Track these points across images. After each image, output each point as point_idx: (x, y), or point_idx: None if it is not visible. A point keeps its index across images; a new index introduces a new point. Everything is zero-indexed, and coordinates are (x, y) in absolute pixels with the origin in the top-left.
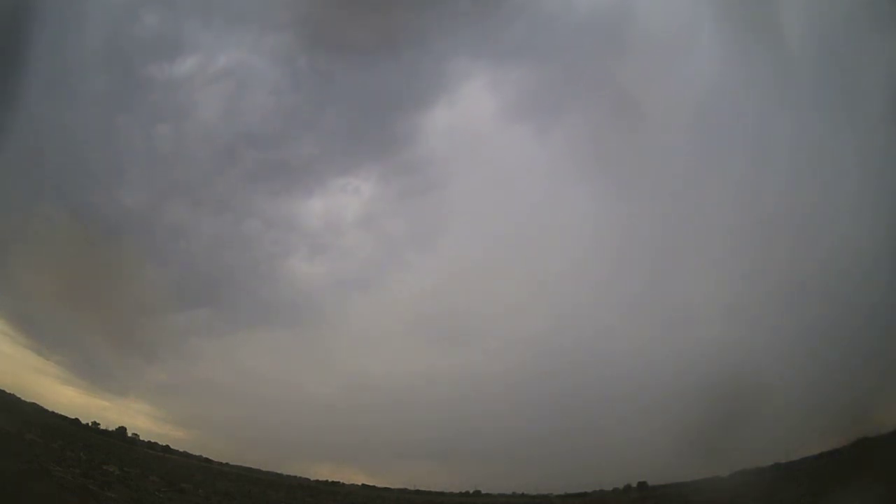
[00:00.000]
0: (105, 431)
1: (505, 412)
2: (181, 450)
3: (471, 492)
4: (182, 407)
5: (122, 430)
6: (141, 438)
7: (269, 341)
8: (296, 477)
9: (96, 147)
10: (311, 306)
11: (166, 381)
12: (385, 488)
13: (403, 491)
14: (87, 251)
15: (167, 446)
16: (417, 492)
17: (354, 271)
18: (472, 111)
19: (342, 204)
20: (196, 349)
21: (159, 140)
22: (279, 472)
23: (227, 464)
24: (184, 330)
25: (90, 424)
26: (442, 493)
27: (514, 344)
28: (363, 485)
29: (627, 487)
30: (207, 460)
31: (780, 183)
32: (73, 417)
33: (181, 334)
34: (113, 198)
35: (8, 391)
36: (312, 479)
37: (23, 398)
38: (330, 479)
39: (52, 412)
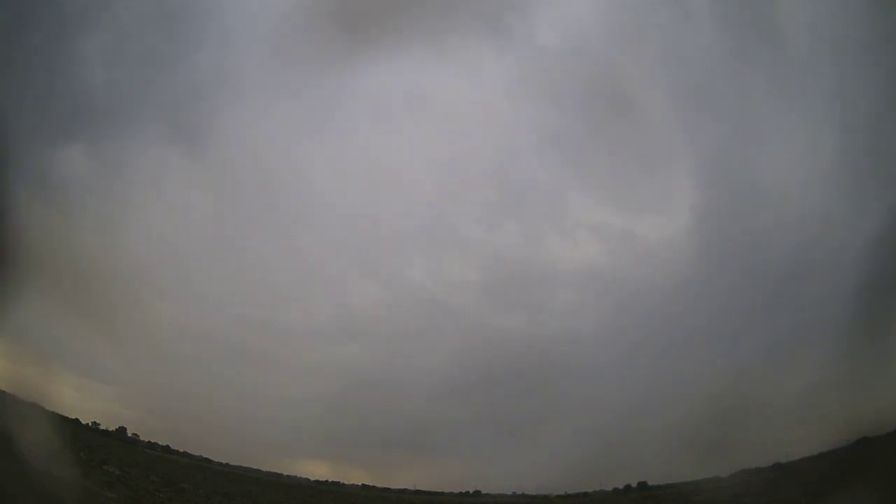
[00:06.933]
0: (105, 431)
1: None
2: (181, 449)
3: (471, 492)
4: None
5: (122, 430)
6: (141, 438)
7: None
8: (296, 477)
9: None
10: None
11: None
12: (385, 488)
13: (403, 491)
14: None
15: (167, 446)
16: (417, 492)
17: None
18: None
19: None
20: None
21: None
22: (279, 471)
23: (227, 464)
24: None
25: (90, 424)
26: (442, 493)
27: None
28: (363, 485)
29: (627, 487)
30: (207, 460)
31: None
32: (72, 417)
33: None
34: None
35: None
36: (312, 479)
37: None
38: (330, 479)
39: (52, 412)
